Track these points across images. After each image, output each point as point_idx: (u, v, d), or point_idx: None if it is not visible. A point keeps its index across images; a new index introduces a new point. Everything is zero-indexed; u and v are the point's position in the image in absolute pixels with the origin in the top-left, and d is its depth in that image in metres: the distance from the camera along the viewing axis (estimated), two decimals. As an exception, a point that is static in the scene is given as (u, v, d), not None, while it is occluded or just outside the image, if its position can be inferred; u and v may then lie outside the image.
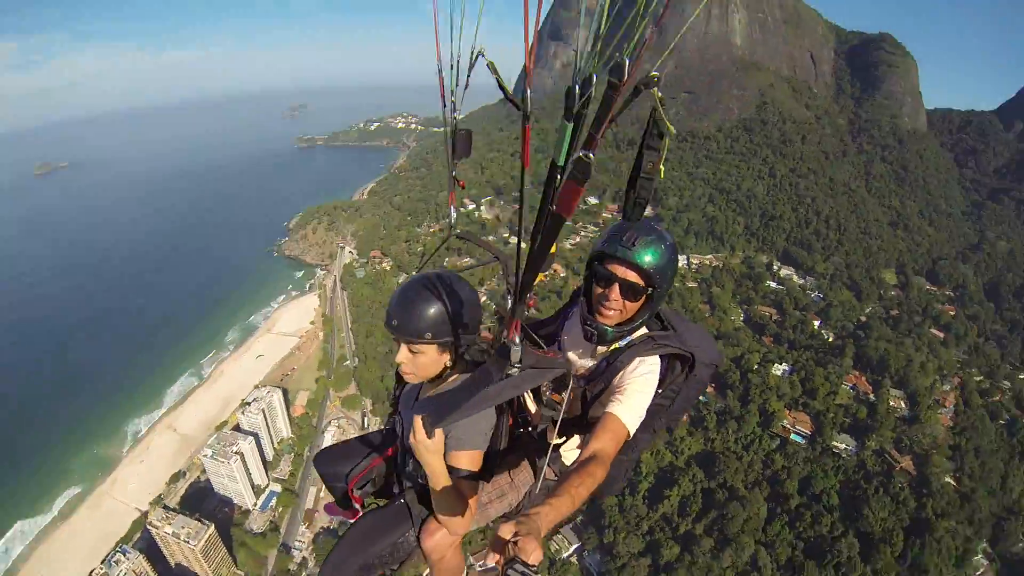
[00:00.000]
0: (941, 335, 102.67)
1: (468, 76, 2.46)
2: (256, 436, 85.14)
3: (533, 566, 1.70)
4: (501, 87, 2.38)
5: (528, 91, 1.96)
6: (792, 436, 75.10)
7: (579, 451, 3.26)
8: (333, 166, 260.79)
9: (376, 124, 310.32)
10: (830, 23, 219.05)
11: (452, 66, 2.47)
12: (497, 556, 1.80)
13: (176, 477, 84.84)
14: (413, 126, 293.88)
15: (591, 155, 1.48)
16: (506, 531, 1.82)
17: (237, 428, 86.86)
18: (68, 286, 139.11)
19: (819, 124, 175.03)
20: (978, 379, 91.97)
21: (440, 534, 3.16)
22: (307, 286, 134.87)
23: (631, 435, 2.99)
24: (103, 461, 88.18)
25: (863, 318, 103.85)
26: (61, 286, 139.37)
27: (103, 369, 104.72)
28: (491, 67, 2.33)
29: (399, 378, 3.53)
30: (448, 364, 3.10)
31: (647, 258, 2.94)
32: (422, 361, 3.00)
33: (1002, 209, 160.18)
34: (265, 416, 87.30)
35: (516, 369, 2.38)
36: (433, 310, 2.86)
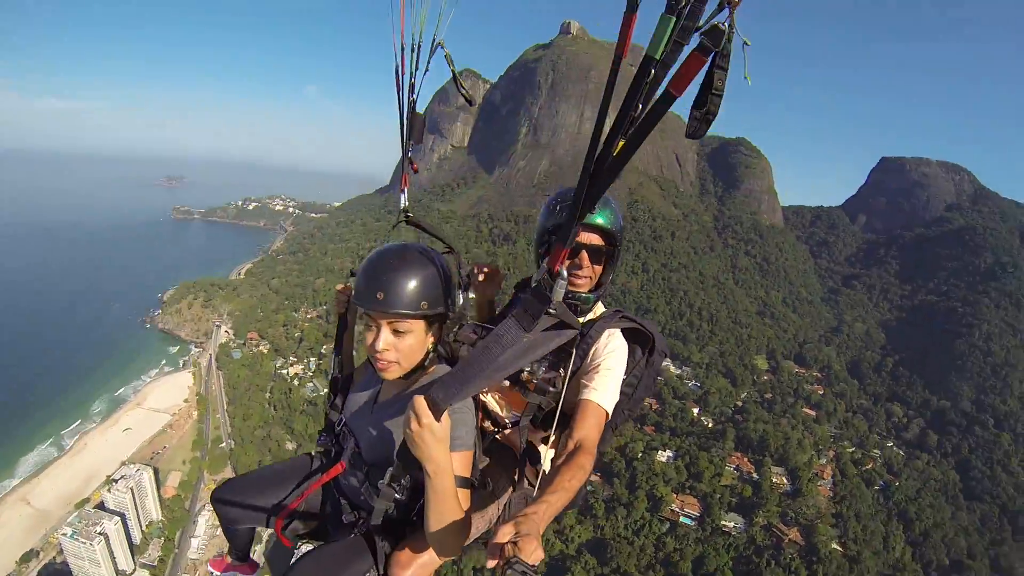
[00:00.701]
0: (813, 413, 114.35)
1: (428, 62, 2.80)
2: (123, 516, 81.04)
3: (533, 566, 1.71)
4: (455, 78, 2.82)
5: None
6: (682, 519, 79.72)
7: (554, 449, 3.31)
8: (210, 241, 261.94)
9: (254, 204, 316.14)
10: None
11: (413, 50, 2.79)
12: (496, 559, 1.79)
13: (28, 557, 79.46)
14: (291, 209, 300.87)
15: (728, 23, 1.42)
16: (505, 533, 1.84)
17: (101, 506, 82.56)
18: None
19: (687, 221, 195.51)
20: (851, 450, 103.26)
21: (415, 567, 2.86)
22: (180, 363, 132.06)
23: (609, 415, 3.04)
24: None
25: (739, 403, 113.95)
26: None
27: None
28: (448, 59, 2.72)
29: (336, 385, 3.40)
30: (430, 348, 2.80)
31: (605, 219, 3.17)
32: (409, 344, 2.66)
33: (855, 294, 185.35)
34: (133, 495, 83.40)
35: (552, 313, 2.17)
36: (424, 276, 2.61)
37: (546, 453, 3.35)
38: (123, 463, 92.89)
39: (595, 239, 3.19)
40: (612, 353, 3.15)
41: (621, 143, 1.64)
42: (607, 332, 3.20)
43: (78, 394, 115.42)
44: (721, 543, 75.91)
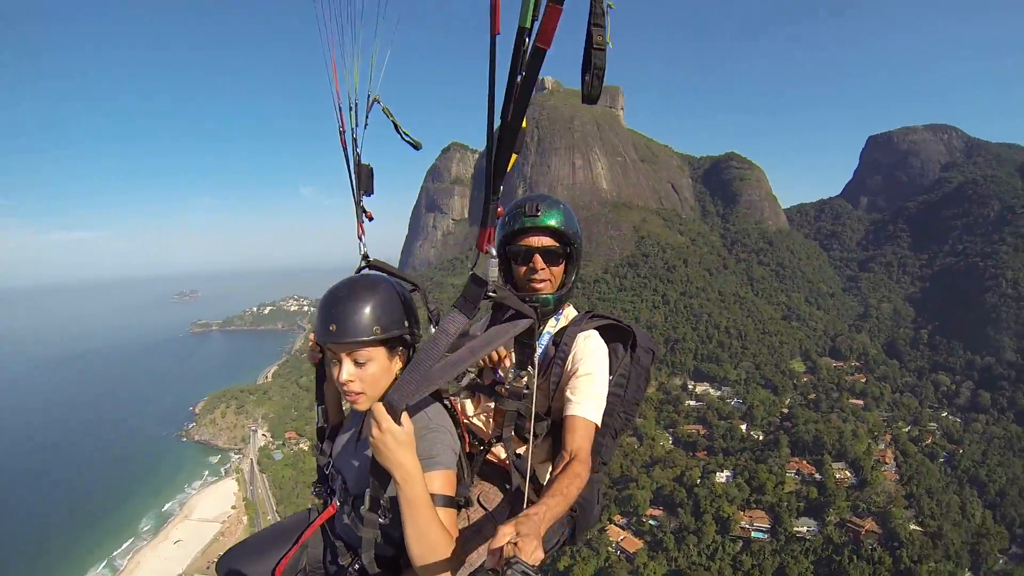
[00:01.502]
0: (860, 402, 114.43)
1: (367, 116, 3.02)
2: None
3: (533, 566, 1.69)
4: (396, 127, 3.01)
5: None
6: (753, 534, 78.94)
7: (549, 465, 3.32)
8: (232, 350, 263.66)
9: (269, 308, 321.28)
10: (682, 154, 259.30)
11: (351, 108, 3.02)
12: (496, 560, 1.78)
13: None
14: (305, 308, 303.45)
15: None
16: (505, 534, 1.83)
17: None
18: None
19: (695, 245, 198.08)
20: (906, 430, 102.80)
21: None
22: (222, 471, 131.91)
23: (599, 426, 3.05)
24: None
25: (785, 410, 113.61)
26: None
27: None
28: (385, 111, 2.94)
29: (322, 434, 3.42)
30: (398, 374, 2.67)
31: (554, 220, 3.18)
32: (372, 372, 2.58)
33: (874, 276, 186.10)
34: None
35: (492, 294, 2.21)
36: (376, 301, 2.55)
37: (528, 456, 3.17)
38: None
39: (546, 240, 3.23)
40: (591, 357, 3.17)
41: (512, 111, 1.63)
42: (581, 335, 3.24)
43: (125, 513, 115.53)
44: (798, 549, 74.78)
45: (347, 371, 2.54)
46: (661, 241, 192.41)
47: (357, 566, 2.87)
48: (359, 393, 2.60)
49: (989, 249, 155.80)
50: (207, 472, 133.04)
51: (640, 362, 3.40)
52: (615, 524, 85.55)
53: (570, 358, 3.20)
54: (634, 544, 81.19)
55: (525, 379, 3.05)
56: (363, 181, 3.29)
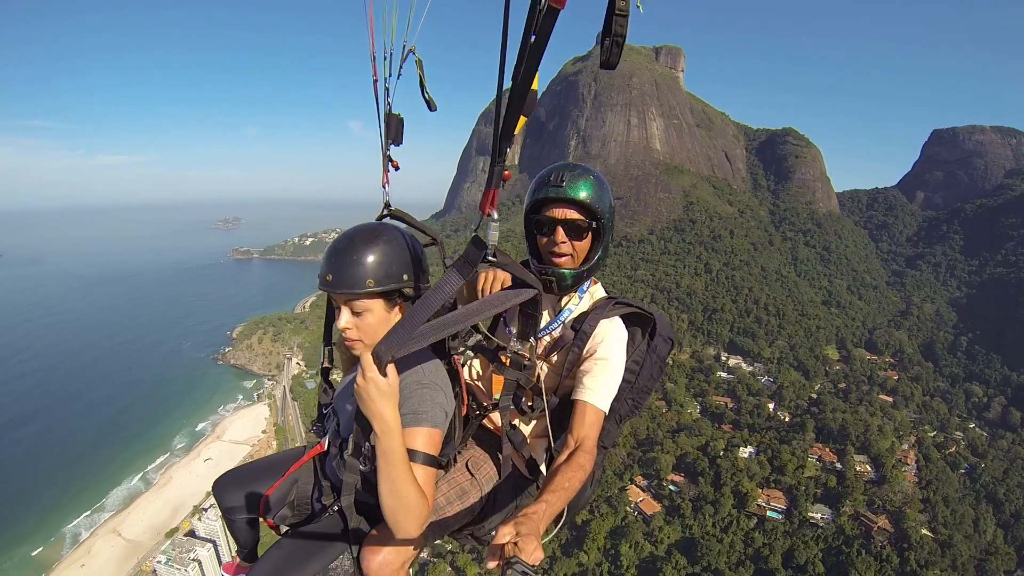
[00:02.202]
0: (890, 399, 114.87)
1: (400, 67, 3.05)
2: (214, 543, 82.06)
3: (533, 566, 1.72)
4: (421, 82, 2.97)
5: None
6: (769, 513, 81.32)
7: (547, 442, 3.33)
8: (271, 278, 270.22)
9: (311, 239, 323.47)
10: (738, 123, 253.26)
11: (386, 57, 3.08)
12: (496, 560, 1.80)
13: None
14: None
15: None
16: (505, 533, 1.85)
17: (192, 534, 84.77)
18: (2, 379, 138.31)
19: (743, 217, 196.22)
20: (932, 434, 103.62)
21: (387, 551, 2.73)
22: (255, 396, 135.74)
23: (607, 414, 3.03)
24: (38, 564, 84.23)
25: (814, 395, 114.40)
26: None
27: (39, 469, 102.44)
28: (418, 63, 2.93)
29: (327, 374, 3.57)
30: None
31: (581, 192, 3.00)
32: (369, 323, 2.67)
33: (920, 274, 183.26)
34: (223, 523, 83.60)
35: (492, 258, 2.22)
36: (373, 254, 2.58)
37: (527, 431, 3.37)
38: (208, 493, 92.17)
39: (570, 213, 3.07)
40: (612, 345, 3.12)
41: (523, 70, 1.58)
42: (606, 321, 3.16)
43: (159, 430, 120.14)
44: (810, 535, 77.05)
45: (345, 319, 2.68)
46: (709, 209, 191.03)
47: (337, 508, 3.00)
48: (356, 340, 2.73)
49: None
50: (240, 396, 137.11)
51: (657, 350, 3.36)
52: (636, 485, 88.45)
53: (590, 342, 3.16)
54: (652, 507, 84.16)
55: (527, 350, 3.12)
56: (392, 130, 3.41)
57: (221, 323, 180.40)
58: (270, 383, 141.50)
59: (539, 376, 3.22)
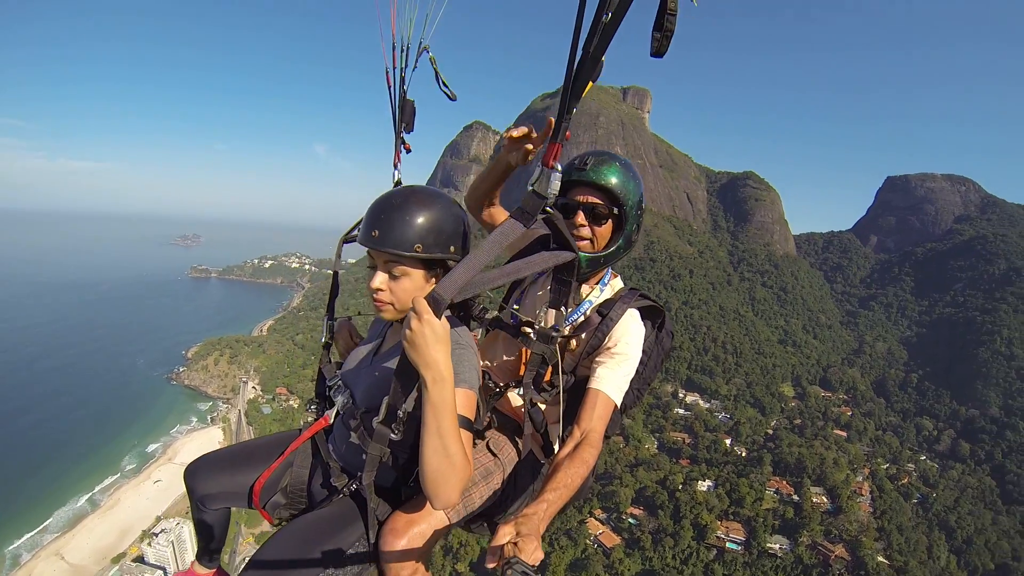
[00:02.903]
0: (844, 434, 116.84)
1: (416, 60, 3.17)
2: (164, 570, 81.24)
3: (533, 566, 1.69)
4: (437, 76, 3.05)
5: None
6: (728, 544, 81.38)
7: (560, 428, 3.18)
8: (228, 299, 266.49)
9: (270, 262, 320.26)
10: (700, 165, 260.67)
11: (402, 50, 3.18)
12: (495, 559, 1.76)
13: None
14: (307, 267, 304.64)
15: None
16: (505, 533, 1.83)
17: (141, 560, 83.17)
18: None
19: (702, 258, 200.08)
20: (885, 466, 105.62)
21: (411, 535, 2.63)
22: (209, 419, 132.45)
23: (618, 407, 2.94)
24: None
25: (770, 431, 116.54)
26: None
27: None
28: (432, 61, 3.03)
29: (329, 349, 3.33)
30: None
31: (604, 176, 2.97)
32: (404, 287, 2.50)
33: (873, 314, 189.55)
34: (174, 549, 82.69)
35: (549, 210, 2.25)
36: (427, 218, 2.43)
37: (547, 414, 3.28)
38: (158, 518, 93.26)
39: (592, 197, 3.03)
40: (632, 338, 3.06)
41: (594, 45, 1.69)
42: (629, 313, 3.10)
43: (109, 449, 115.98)
44: (768, 565, 77.39)
45: (379, 279, 2.51)
46: (670, 248, 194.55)
47: (355, 487, 2.83)
48: (386, 303, 2.55)
49: (990, 306, 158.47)
50: (194, 418, 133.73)
51: (662, 343, 3.37)
52: (595, 518, 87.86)
53: (614, 329, 3.07)
54: (612, 539, 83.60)
55: (555, 317, 2.97)
56: (406, 115, 3.46)
57: (177, 341, 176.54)
58: (225, 406, 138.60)
59: (559, 353, 3.07)
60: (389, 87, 3.39)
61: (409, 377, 2.19)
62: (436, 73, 3.10)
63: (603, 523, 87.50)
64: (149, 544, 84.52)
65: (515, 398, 3.36)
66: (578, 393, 2.98)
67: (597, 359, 3.00)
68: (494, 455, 3.22)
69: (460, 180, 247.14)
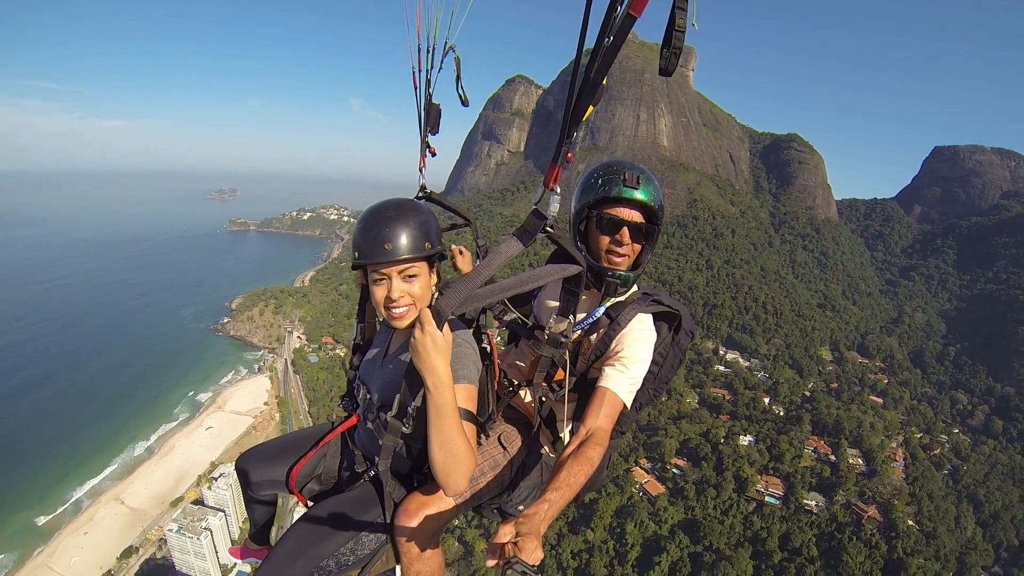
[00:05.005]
0: (880, 400, 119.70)
1: (441, 61, 3.23)
2: (224, 512, 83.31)
3: (533, 566, 1.73)
4: (457, 78, 3.13)
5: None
6: (767, 498, 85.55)
7: (570, 425, 3.40)
8: (268, 251, 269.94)
9: (309, 214, 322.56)
10: (744, 126, 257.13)
11: (428, 51, 3.26)
12: (495, 559, 1.81)
13: (128, 552, 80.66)
14: (345, 218, 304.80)
15: None
16: (505, 533, 1.87)
17: (200, 503, 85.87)
18: (6, 344, 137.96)
19: (744, 218, 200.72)
20: (919, 436, 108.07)
21: (424, 517, 2.83)
22: (256, 368, 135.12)
23: (627, 407, 3.04)
24: (39, 531, 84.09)
25: (807, 392, 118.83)
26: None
27: (40, 436, 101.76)
28: (457, 61, 3.07)
29: (357, 349, 3.50)
30: (435, 289, 2.87)
31: (650, 197, 3.07)
32: (422, 285, 2.75)
33: (913, 285, 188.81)
34: (233, 492, 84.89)
35: (550, 230, 2.38)
36: (419, 219, 2.70)
37: (559, 412, 3.44)
38: (212, 463, 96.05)
39: (636, 216, 3.10)
40: (642, 340, 3.14)
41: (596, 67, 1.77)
42: (638, 317, 3.19)
43: (161, 399, 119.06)
44: (804, 520, 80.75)
45: (398, 288, 2.68)
46: (712, 207, 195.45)
47: (372, 473, 3.09)
48: (408, 306, 2.72)
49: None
50: (242, 367, 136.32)
51: (679, 344, 3.42)
52: (640, 467, 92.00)
53: (623, 332, 3.17)
54: (656, 488, 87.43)
55: (565, 326, 3.05)
56: (431, 119, 3.53)
57: (220, 294, 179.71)
58: (271, 356, 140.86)
59: (569, 355, 3.23)
60: (415, 88, 3.57)
61: (416, 379, 2.46)
62: (458, 75, 3.33)
63: (648, 472, 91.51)
64: (209, 487, 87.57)
65: (529, 396, 3.61)
66: (589, 392, 3.11)
67: (606, 361, 3.16)
68: (504, 448, 3.41)
69: (502, 133, 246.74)
